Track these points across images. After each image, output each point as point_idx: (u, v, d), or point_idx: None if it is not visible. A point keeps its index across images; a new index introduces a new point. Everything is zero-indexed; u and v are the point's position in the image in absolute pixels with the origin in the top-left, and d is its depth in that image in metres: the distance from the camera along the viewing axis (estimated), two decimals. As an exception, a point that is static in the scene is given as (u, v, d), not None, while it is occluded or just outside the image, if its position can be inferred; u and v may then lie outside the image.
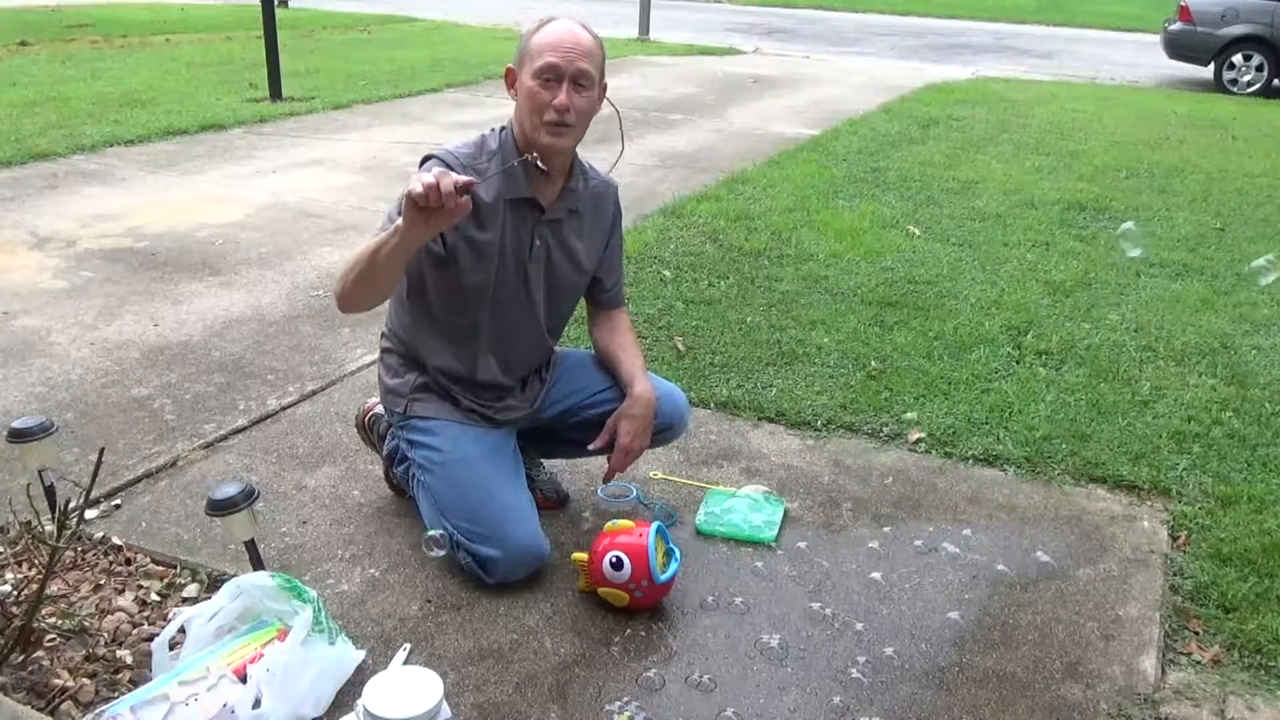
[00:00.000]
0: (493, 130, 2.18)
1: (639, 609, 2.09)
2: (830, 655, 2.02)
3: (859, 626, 2.11)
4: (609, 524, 2.14)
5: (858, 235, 4.82)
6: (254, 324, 3.60)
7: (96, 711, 1.66)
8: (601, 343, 2.41)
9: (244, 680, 1.68)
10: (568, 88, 2.04)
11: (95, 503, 2.37)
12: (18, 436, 2.10)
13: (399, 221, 1.86)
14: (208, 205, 5.05)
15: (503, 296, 2.19)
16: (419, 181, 1.76)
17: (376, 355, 2.43)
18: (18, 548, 2.14)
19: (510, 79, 2.12)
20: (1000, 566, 2.34)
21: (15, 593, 1.89)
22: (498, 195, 2.11)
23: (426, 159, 2.11)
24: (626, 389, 2.30)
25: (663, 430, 2.37)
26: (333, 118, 7.50)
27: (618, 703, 1.86)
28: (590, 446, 2.33)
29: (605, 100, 2.22)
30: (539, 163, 2.07)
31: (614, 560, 2.04)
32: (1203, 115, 9.11)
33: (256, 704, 1.65)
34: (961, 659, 2.02)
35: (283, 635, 1.79)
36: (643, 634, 2.05)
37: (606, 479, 2.39)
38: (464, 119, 7.55)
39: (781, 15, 19.49)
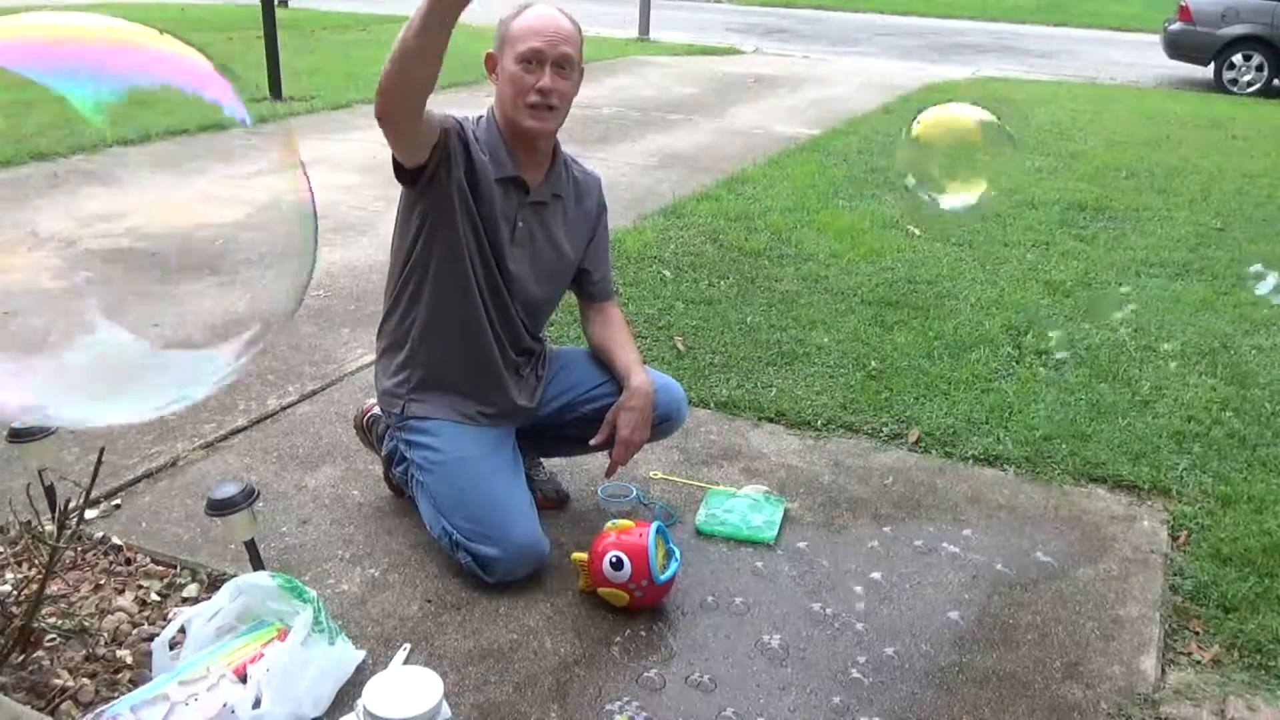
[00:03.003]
0: (472, 118, 2.21)
1: (639, 609, 2.09)
2: (830, 655, 2.02)
3: (859, 626, 2.11)
4: (609, 524, 2.14)
5: (858, 235, 4.82)
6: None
7: (96, 711, 1.66)
8: (596, 337, 2.42)
9: (244, 680, 1.69)
10: (551, 71, 2.09)
11: (95, 503, 2.37)
12: (18, 436, 2.10)
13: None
14: (208, 205, 5.04)
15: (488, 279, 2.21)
16: None
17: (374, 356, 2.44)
18: (18, 548, 2.14)
19: (491, 64, 2.16)
20: (1000, 566, 2.34)
21: (15, 593, 1.89)
22: (490, 175, 2.15)
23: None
24: (624, 382, 2.31)
25: (661, 422, 2.38)
26: (333, 118, 7.50)
27: (618, 703, 1.86)
28: (591, 441, 2.33)
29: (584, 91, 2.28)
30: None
31: (614, 560, 2.04)
32: (1203, 115, 9.11)
33: (256, 704, 1.65)
34: (961, 659, 2.02)
35: (283, 635, 1.79)
36: (643, 634, 2.05)
37: (609, 473, 2.39)
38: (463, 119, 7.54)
39: (781, 15, 19.48)
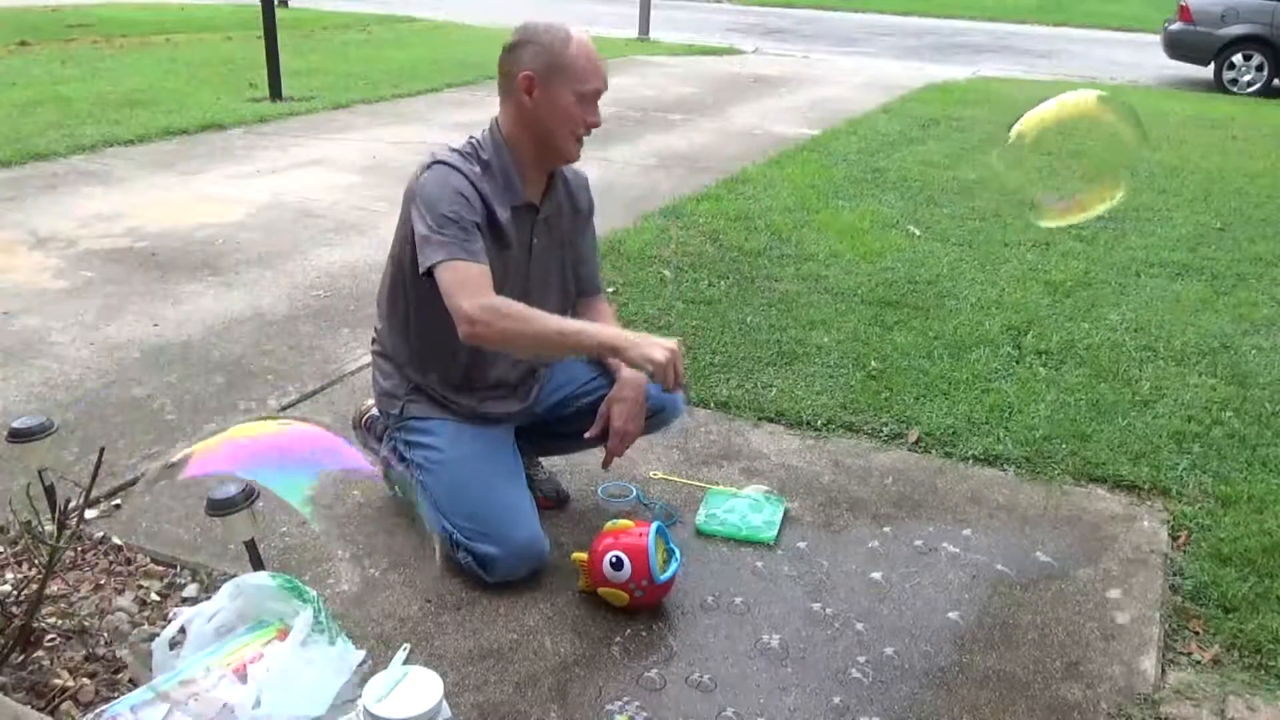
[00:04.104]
0: (476, 140, 2.18)
1: (639, 609, 2.09)
2: (830, 655, 2.02)
3: (859, 626, 2.11)
4: (609, 524, 2.14)
5: (858, 235, 4.82)
6: (254, 324, 3.60)
7: (96, 711, 1.66)
8: None
9: (244, 680, 1.68)
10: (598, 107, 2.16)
11: (95, 503, 2.37)
12: (18, 436, 2.10)
13: (614, 339, 2.02)
14: (208, 205, 5.05)
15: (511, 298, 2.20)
16: (671, 358, 1.95)
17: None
18: (18, 548, 2.14)
19: (528, 85, 2.10)
20: (1000, 566, 2.34)
21: (15, 593, 1.89)
22: (506, 206, 2.15)
23: (435, 163, 2.11)
24: (615, 374, 2.31)
25: (655, 414, 2.38)
26: (333, 118, 7.50)
27: (618, 703, 1.86)
28: (586, 435, 2.33)
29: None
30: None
31: (614, 560, 2.04)
32: (1203, 115, 9.10)
33: (256, 704, 1.65)
34: (961, 659, 2.02)
35: (283, 635, 1.79)
36: (643, 634, 2.05)
37: (605, 464, 2.40)
38: (464, 119, 7.54)
39: (781, 15, 19.48)
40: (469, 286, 1.99)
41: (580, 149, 2.19)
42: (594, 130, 2.21)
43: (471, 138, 2.20)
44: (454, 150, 2.15)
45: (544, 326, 2.01)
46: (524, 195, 2.18)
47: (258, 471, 1.71)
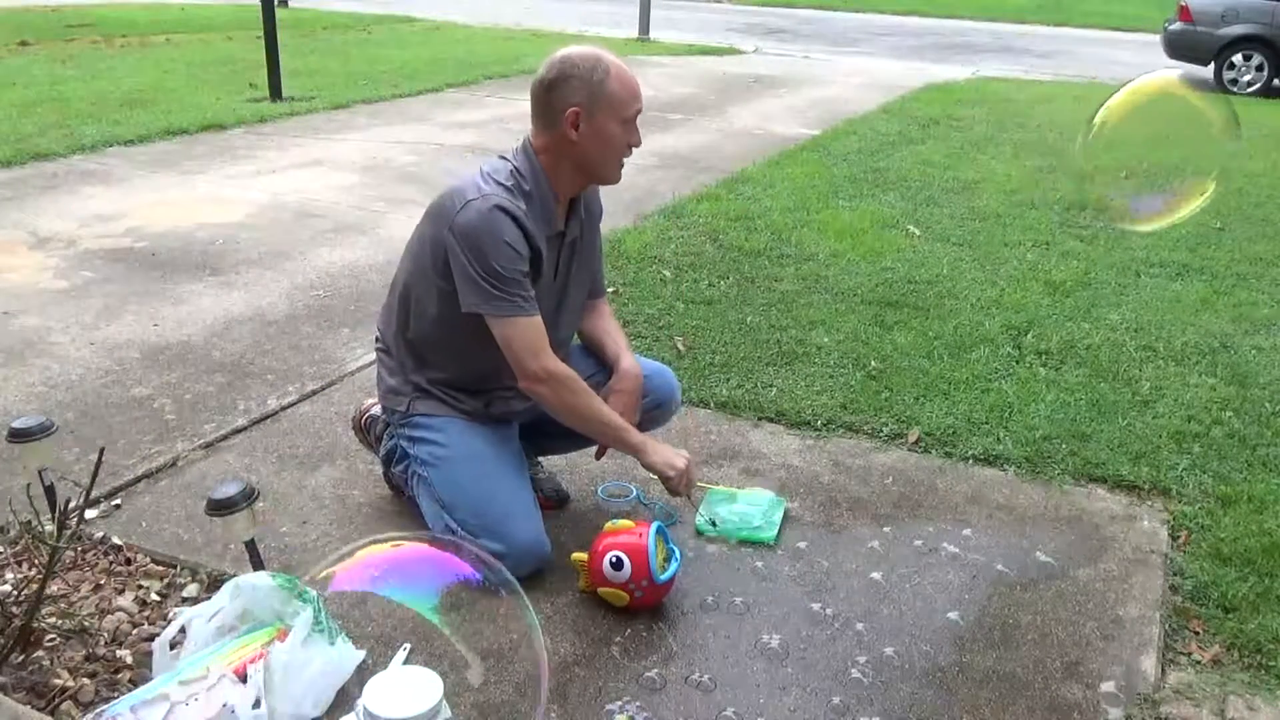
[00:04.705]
0: (516, 169, 2.15)
1: (639, 609, 2.09)
2: (830, 655, 2.02)
3: (859, 626, 2.11)
4: (609, 524, 2.14)
5: (858, 235, 4.82)
6: (254, 324, 3.60)
7: (96, 711, 1.66)
8: (586, 329, 2.45)
9: (244, 680, 1.68)
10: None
11: (95, 503, 2.37)
12: (18, 436, 2.10)
13: (642, 444, 2.23)
14: (208, 205, 5.05)
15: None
16: (687, 468, 2.24)
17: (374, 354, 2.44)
18: (18, 548, 2.14)
19: (575, 120, 2.08)
20: (1000, 566, 2.34)
21: (15, 593, 1.89)
22: (543, 236, 2.16)
23: (487, 206, 2.06)
24: (613, 367, 2.33)
25: (653, 409, 2.40)
26: (333, 118, 7.50)
27: (618, 703, 1.86)
28: None
29: None
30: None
31: (614, 560, 2.04)
32: (1203, 115, 9.09)
33: (256, 704, 1.65)
34: (961, 659, 2.02)
35: (283, 635, 1.79)
36: (643, 634, 2.05)
37: (598, 455, 2.42)
38: (464, 119, 7.55)
39: (781, 15, 19.48)
40: (533, 345, 2.11)
41: (622, 170, 2.20)
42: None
43: (508, 163, 2.16)
44: (498, 183, 2.11)
45: (593, 411, 2.18)
46: (559, 224, 2.20)
47: (392, 589, 1.87)
